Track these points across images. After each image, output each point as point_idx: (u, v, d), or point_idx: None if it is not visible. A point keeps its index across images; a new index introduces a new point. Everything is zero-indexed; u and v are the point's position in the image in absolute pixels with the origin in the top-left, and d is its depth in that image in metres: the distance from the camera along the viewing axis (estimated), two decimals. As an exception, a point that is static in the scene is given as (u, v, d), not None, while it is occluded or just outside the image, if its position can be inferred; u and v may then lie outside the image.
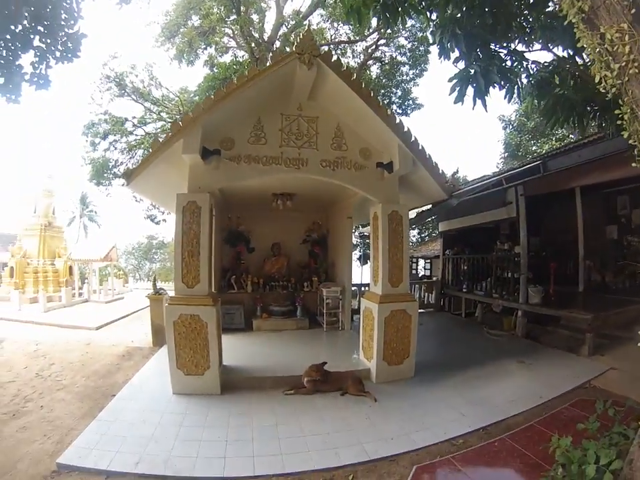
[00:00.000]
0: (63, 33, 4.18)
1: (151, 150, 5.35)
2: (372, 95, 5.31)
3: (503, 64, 4.00)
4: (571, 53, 4.14)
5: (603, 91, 2.33)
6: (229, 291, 8.76)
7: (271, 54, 5.45)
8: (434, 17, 4.24)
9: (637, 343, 2.28)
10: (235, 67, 15.94)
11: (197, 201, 5.08)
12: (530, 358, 6.36)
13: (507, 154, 21.86)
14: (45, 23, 4.02)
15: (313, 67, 4.91)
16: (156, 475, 3.30)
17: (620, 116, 2.37)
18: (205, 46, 17.31)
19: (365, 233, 14.74)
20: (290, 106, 5.56)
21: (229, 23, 16.94)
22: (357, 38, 18.01)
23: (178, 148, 4.95)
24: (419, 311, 10.63)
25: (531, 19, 4.09)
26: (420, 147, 5.59)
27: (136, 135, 18.27)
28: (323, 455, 3.60)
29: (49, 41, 4.12)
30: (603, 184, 7.23)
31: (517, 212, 8.40)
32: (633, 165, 2.37)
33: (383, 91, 17.74)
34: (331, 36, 18.02)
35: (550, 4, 3.87)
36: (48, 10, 3.98)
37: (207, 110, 4.94)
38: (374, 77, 18.30)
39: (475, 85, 3.87)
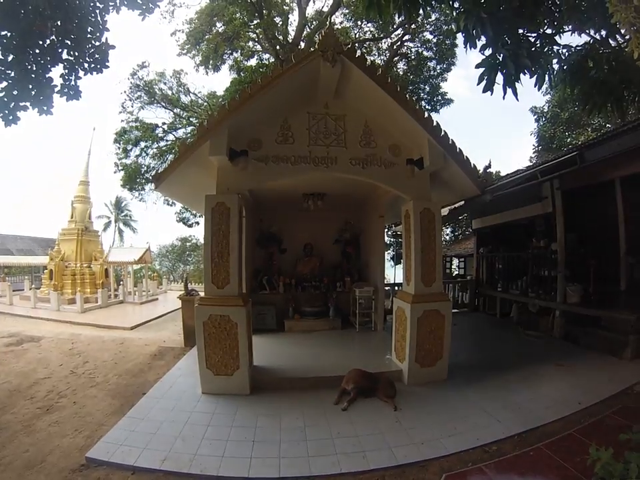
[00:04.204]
0: (90, 46, 4.26)
1: (178, 153, 5.41)
2: (398, 89, 5.19)
3: (533, 48, 3.80)
4: (604, 35, 3.90)
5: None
6: (261, 291, 8.78)
7: (293, 54, 5.43)
8: (456, 5, 4.07)
9: None
10: (261, 69, 16.09)
11: (226, 202, 5.10)
12: (568, 361, 6.05)
13: (540, 147, 21.06)
14: (72, 36, 4.12)
15: (336, 64, 4.85)
16: (181, 473, 3.32)
17: None
18: (230, 51, 17.60)
19: (398, 232, 14.53)
20: (316, 104, 5.52)
21: (252, 27, 17.15)
22: (382, 35, 17.87)
23: (205, 150, 4.99)
24: (453, 310, 10.40)
25: (558, 1, 3.87)
26: (450, 142, 5.42)
27: (167, 141, 18.78)
28: (350, 458, 3.51)
29: (76, 53, 4.21)
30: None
31: (552, 207, 8.05)
32: None
33: (410, 88, 17.50)
34: (355, 34, 17.92)
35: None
36: (74, 24, 4.07)
37: (233, 111, 4.97)
38: (401, 73, 18.08)
39: (504, 71, 3.68)
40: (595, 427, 3.95)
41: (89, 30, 4.22)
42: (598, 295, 7.15)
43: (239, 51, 17.76)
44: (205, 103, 18.84)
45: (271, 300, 8.61)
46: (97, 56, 4.30)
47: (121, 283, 17.39)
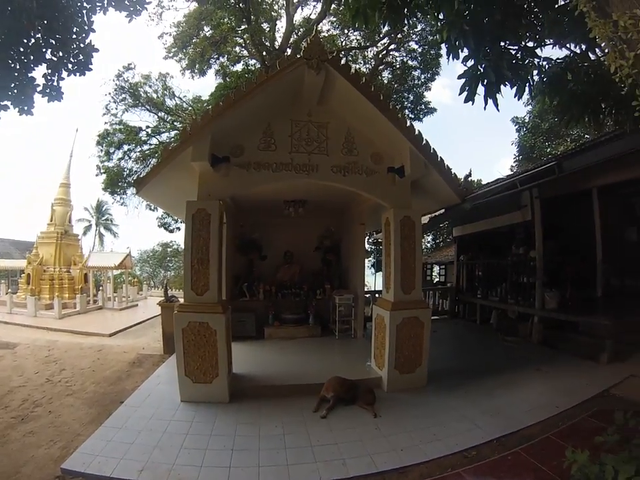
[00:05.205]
0: (75, 46, 4.21)
1: (161, 158, 5.36)
2: (381, 98, 5.26)
3: (513, 60, 3.90)
4: (584, 48, 4.03)
5: (618, 82, 2.22)
6: (241, 298, 8.73)
7: (278, 61, 5.45)
8: (442, 16, 4.15)
9: None
10: (246, 75, 16.12)
11: (207, 209, 5.07)
12: (546, 365, 6.17)
13: (521, 156, 21.50)
14: (57, 36, 4.07)
15: (321, 72, 4.89)
16: (159, 484, 3.25)
17: (637, 108, 2.25)
18: (216, 55, 17.56)
19: (379, 240, 14.63)
20: (299, 112, 5.53)
21: (240, 32, 17.15)
22: (368, 44, 18.07)
23: (187, 155, 4.95)
24: (433, 317, 10.50)
25: (540, 15, 3.99)
26: (431, 150, 5.49)
27: (150, 144, 18.59)
28: (330, 466, 3.50)
29: (60, 54, 4.15)
30: (621, 183, 6.98)
31: (532, 215, 8.21)
32: None
33: (395, 96, 17.73)
34: (342, 42, 18.08)
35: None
36: (60, 23, 4.02)
37: (216, 117, 4.95)
38: (386, 82, 18.30)
39: (485, 82, 3.77)
40: (571, 430, 4.04)
41: (74, 30, 4.17)
42: (575, 300, 7.34)
43: (226, 56, 17.75)
44: (190, 107, 18.75)
45: (251, 307, 8.56)
46: (80, 57, 4.25)
47: (101, 288, 17.02)
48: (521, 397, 5.00)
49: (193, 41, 17.14)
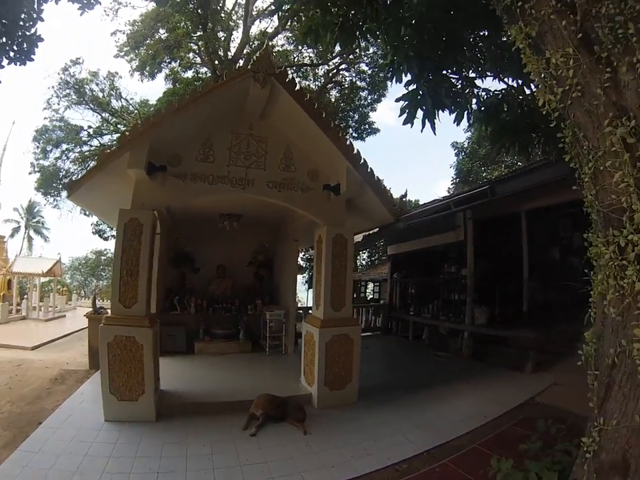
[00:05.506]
0: (20, 34, 3.98)
1: (97, 161, 5.12)
2: (323, 115, 5.34)
3: (453, 88, 4.14)
4: (520, 83, 4.35)
5: (546, 114, 2.40)
6: (172, 312, 8.43)
7: (225, 71, 5.42)
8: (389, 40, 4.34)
9: (578, 357, 2.32)
10: (196, 82, 15.90)
11: (139, 218, 4.86)
12: (476, 378, 6.47)
13: (458, 179, 22.61)
14: (3, 21, 3.82)
15: (266, 86, 4.91)
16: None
17: (562, 140, 2.44)
18: (169, 60, 17.24)
19: (312, 256, 14.77)
20: (241, 124, 5.49)
21: (195, 38, 16.94)
22: (320, 61, 18.43)
23: (124, 161, 4.75)
24: (367, 333, 10.82)
25: (484, 49, 4.27)
26: (368, 170, 5.61)
27: (90, 146, 17.76)
28: (259, 486, 3.42)
29: (4, 39, 3.91)
30: (547, 208, 7.59)
31: (464, 235, 8.65)
32: (574, 187, 2.44)
33: (340, 115, 18.20)
34: (294, 58, 18.33)
35: (502, 37, 4.06)
36: (7, 7, 3.78)
37: (157, 124, 4.80)
38: (333, 100, 18.78)
39: (424, 107, 3.96)
40: (498, 439, 4.23)
41: (22, 17, 3.93)
42: (503, 316, 7.82)
43: (178, 61, 17.48)
44: (136, 111, 18.21)
45: (182, 321, 8.30)
46: (24, 46, 4.01)
47: (25, 296, 15.80)
48: (451, 409, 5.19)
49: (147, 42, 16.71)
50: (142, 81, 17.58)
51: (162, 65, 17.33)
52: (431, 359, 8.20)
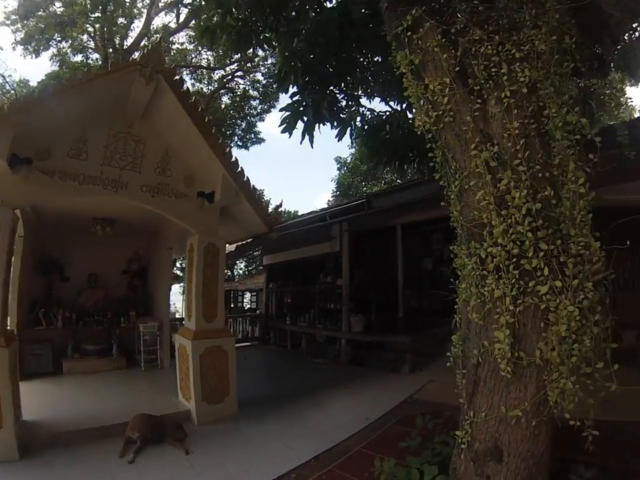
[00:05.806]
0: None
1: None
2: (206, 120, 5.19)
3: (338, 103, 4.33)
4: (403, 107, 4.73)
5: (421, 135, 2.66)
6: (36, 327, 7.22)
7: (111, 62, 4.89)
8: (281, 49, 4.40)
9: (449, 357, 2.56)
10: (83, 69, 14.11)
11: (-4, 217, 4.07)
12: (356, 382, 6.75)
13: (338, 192, 23.66)
14: None
15: (152, 82, 4.61)
16: None
17: (434, 159, 2.72)
18: (59, 38, 15.28)
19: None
20: (121, 122, 5.03)
21: (92, 19, 15.30)
22: (217, 65, 18.03)
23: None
24: (245, 344, 10.74)
25: (375, 73, 4.57)
26: (245, 179, 5.57)
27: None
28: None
29: None
30: (421, 222, 8.37)
31: (340, 246, 9.07)
32: (442, 203, 2.72)
33: (228, 122, 18.01)
34: (192, 59, 17.71)
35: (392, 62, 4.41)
36: None
37: (26, 110, 4.11)
38: (223, 107, 18.48)
39: (305, 118, 4.06)
40: (380, 439, 4.37)
41: None
42: (379, 323, 8.40)
43: (69, 41, 15.52)
44: (12, 91, 15.87)
45: (48, 337, 7.17)
46: None
47: None
48: (334, 414, 5.30)
49: (39, 13, 14.61)
50: (25, 56, 15.38)
51: (50, 43, 15.33)
52: (309, 367, 8.35)
